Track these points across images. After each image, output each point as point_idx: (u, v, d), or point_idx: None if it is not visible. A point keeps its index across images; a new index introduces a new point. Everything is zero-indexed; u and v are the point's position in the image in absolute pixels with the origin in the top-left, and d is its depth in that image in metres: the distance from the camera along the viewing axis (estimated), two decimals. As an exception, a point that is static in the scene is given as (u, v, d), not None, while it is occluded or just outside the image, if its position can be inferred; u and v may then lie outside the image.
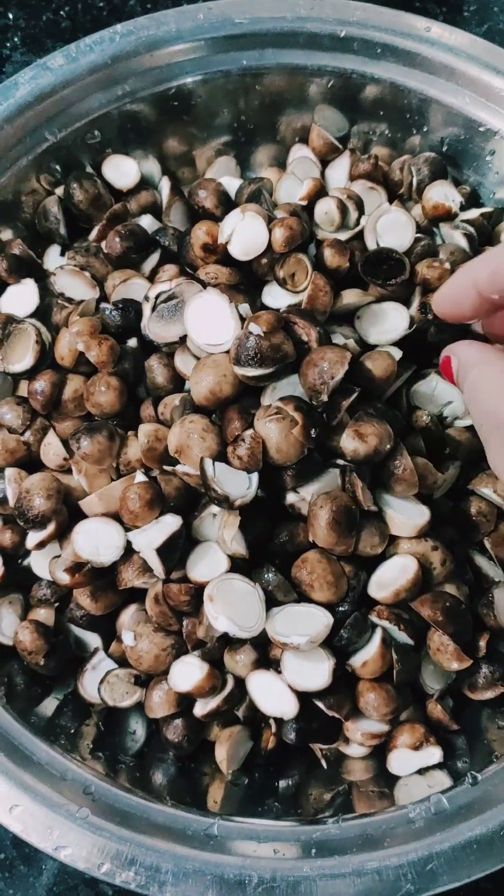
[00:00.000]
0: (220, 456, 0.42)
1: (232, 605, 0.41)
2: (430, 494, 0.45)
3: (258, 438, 0.42)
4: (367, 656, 0.43)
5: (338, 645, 0.42)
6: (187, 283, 0.46)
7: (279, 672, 0.42)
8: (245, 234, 0.46)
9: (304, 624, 0.41)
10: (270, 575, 0.43)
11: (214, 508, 0.43)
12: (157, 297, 0.47)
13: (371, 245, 0.49)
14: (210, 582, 0.42)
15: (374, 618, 0.43)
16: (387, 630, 0.43)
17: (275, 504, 0.45)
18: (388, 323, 0.47)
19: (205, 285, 0.46)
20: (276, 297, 0.48)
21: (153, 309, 0.47)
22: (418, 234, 0.50)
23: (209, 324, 0.44)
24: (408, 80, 0.55)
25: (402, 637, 0.43)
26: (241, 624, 0.40)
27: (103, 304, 0.48)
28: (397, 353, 0.46)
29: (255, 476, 0.42)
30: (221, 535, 0.42)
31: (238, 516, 0.42)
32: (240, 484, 0.42)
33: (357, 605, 0.43)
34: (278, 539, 0.44)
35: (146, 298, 0.48)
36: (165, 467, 0.44)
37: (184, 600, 0.42)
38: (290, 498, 0.44)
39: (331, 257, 0.47)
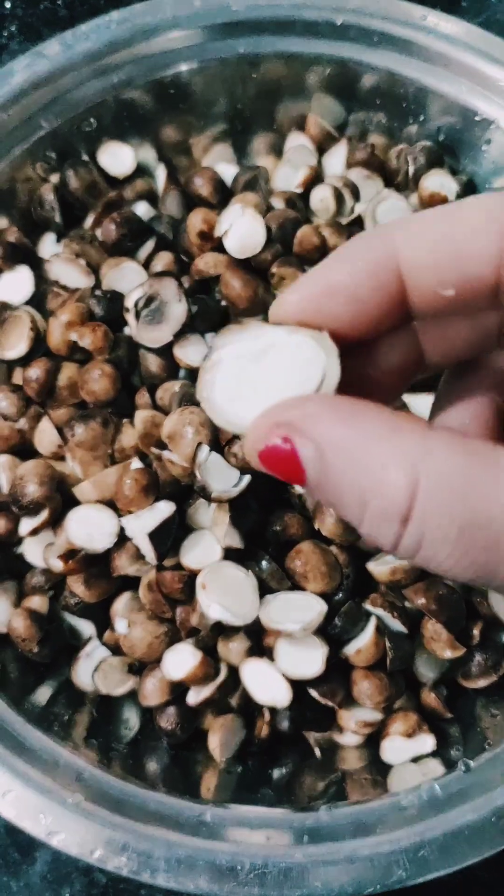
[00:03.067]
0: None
1: (225, 593, 0.41)
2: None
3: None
4: (360, 644, 0.43)
5: (332, 633, 0.42)
6: (158, 280, 0.46)
7: (273, 660, 0.42)
8: (242, 231, 0.46)
9: (298, 611, 0.41)
10: (264, 563, 0.43)
11: (208, 496, 0.43)
12: (136, 305, 0.46)
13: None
14: (203, 569, 0.42)
15: (368, 606, 0.43)
16: (381, 618, 0.43)
17: (270, 494, 0.45)
18: None
19: (181, 284, 0.46)
20: None
21: (137, 318, 0.46)
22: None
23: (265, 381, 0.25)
24: (405, 68, 0.55)
25: (396, 625, 0.43)
26: (235, 611, 0.40)
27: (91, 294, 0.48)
28: None
29: (246, 478, 0.42)
30: (213, 530, 0.43)
31: (227, 512, 0.42)
32: (227, 480, 0.41)
33: (351, 594, 0.43)
34: (272, 528, 0.44)
35: (126, 310, 0.47)
36: (153, 449, 0.43)
37: (177, 588, 0.42)
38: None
39: (329, 236, 0.47)
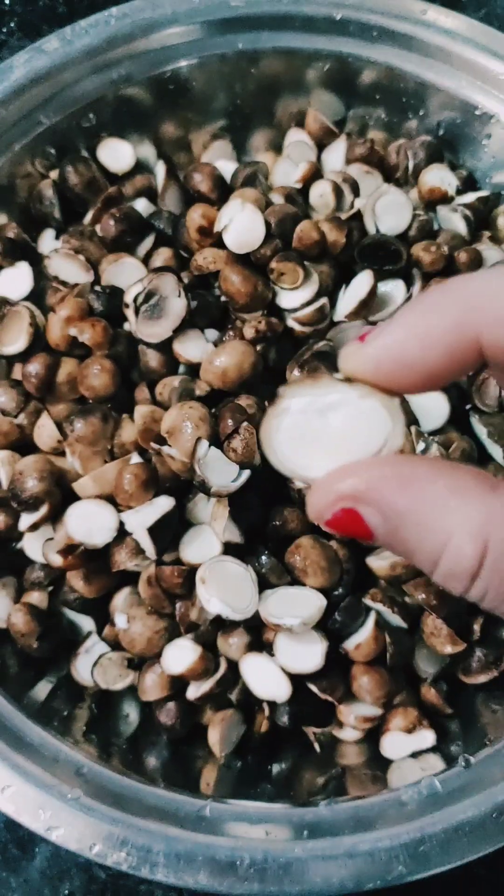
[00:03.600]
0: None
1: (224, 588, 0.41)
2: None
3: (251, 430, 0.42)
4: (360, 639, 0.42)
5: (331, 628, 0.42)
6: (158, 276, 0.46)
7: (272, 655, 0.42)
8: (242, 226, 0.46)
9: (297, 606, 0.41)
10: (264, 558, 0.42)
11: (208, 491, 0.43)
12: (135, 301, 0.46)
13: (370, 226, 0.49)
14: (202, 564, 0.41)
15: (368, 601, 0.43)
16: (380, 613, 0.43)
17: (269, 489, 0.44)
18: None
19: (180, 279, 0.46)
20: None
21: (136, 313, 0.46)
22: (417, 212, 0.50)
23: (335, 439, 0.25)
24: (404, 63, 0.55)
25: (396, 620, 0.43)
26: (234, 606, 0.40)
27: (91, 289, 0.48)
28: None
29: (245, 473, 0.42)
30: (213, 525, 0.42)
31: (226, 507, 0.42)
32: (227, 475, 0.41)
33: (351, 590, 0.43)
34: (271, 523, 0.44)
35: (126, 306, 0.47)
36: (153, 444, 0.43)
37: (176, 582, 0.42)
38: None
39: (329, 232, 0.47)
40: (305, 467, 0.25)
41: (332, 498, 0.23)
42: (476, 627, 0.44)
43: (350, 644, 0.43)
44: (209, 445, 0.41)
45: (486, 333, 0.23)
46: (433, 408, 0.46)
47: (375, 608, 0.43)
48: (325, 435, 0.24)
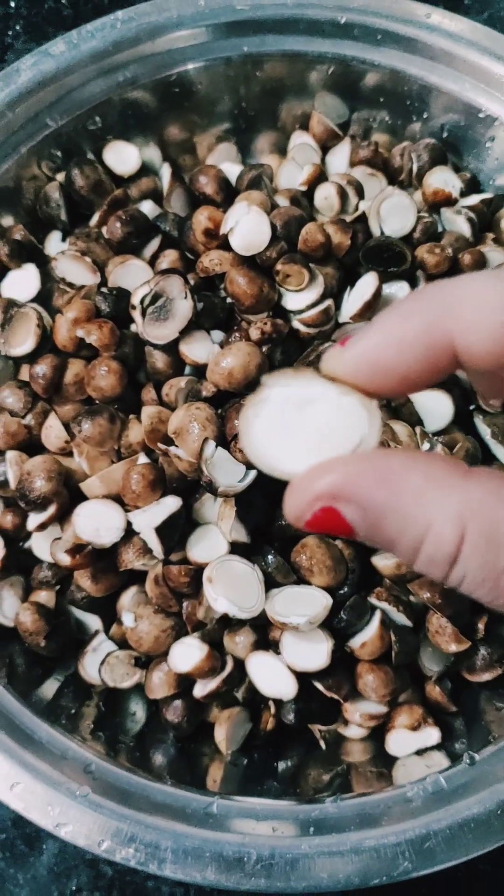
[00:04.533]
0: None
1: (231, 587, 0.41)
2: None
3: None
4: (365, 638, 0.43)
5: (337, 627, 0.43)
6: (164, 277, 0.46)
7: (278, 653, 0.43)
8: (248, 228, 0.46)
9: (303, 605, 0.42)
10: (270, 557, 0.43)
11: (214, 491, 0.44)
12: (142, 303, 0.46)
13: (375, 228, 0.49)
14: (209, 563, 0.42)
15: (373, 600, 0.44)
16: (386, 612, 0.43)
17: (275, 488, 0.45)
18: None
19: (187, 281, 0.46)
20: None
21: (143, 314, 0.46)
22: (421, 214, 0.50)
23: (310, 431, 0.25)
24: (408, 66, 0.55)
25: (401, 619, 0.43)
26: (241, 605, 0.41)
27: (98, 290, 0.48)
28: None
29: (252, 473, 0.42)
30: (219, 525, 0.43)
31: (233, 507, 0.42)
32: (234, 475, 0.42)
33: (356, 588, 0.43)
34: (277, 523, 0.44)
35: (133, 307, 0.48)
36: (160, 445, 0.44)
37: (184, 581, 0.43)
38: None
39: (334, 234, 0.47)
40: (279, 460, 0.24)
41: (309, 498, 0.23)
42: (480, 626, 0.44)
43: (355, 642, 0.43)
44: (216, 446, 0.42)
45: (459, 337, 0.23)
46: (437, 408, 0.46)
47: (381, 607, 0.43)
48: (301, 429, 0.25)
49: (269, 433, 0.25)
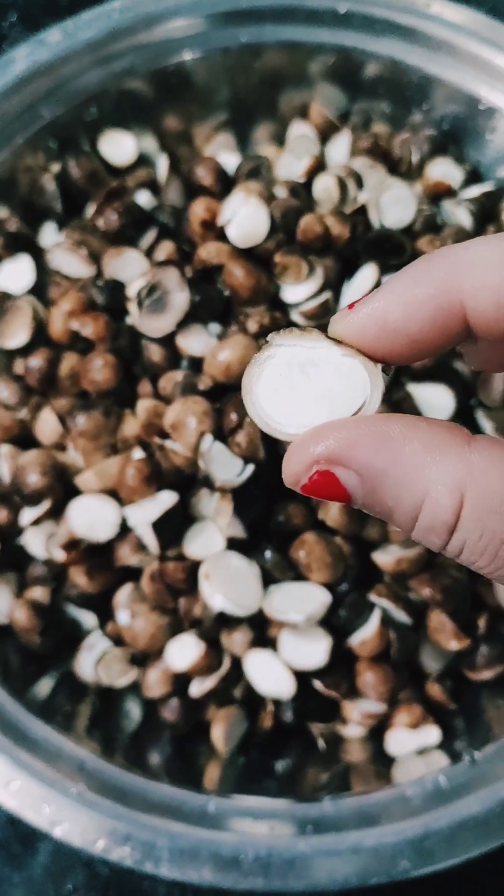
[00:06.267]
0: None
1: (228, 583, 0.41)
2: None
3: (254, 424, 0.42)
4: (365, 635, 0.42)
5: (336, 624, 0.42)
6: (161, 269, 0.46)
7: (276, 651, 0.42)
8: (245, 220, 0.46)
9: (302, 601, 0.41)
10: (268, 553, 0.42)
11: (211, 486, 0.43)
12: (138, 295, 0.46)
13: (374, 220, 0.49)
14: (206, 560, 0.41)
15: (372, 597, 0.43)
16: (385, 609, 0.43)
17: (273, 483, 0.44)
18: None
19: (183, 273, 0.45)
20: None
21: (139, 307, 0.46)
22: (421, 206, 0.50)
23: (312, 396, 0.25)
24: (408, 57, 0.54)
25: (401, 616, 0.43)
26: (238, 602, 0.40)
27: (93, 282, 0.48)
28: None
29: (249, 467, 0.41)
30: (216, 520, 0.42)
31: (230, 502, 0.41)
32: (232, 469, 0.41)
33: (356, 585, 0.43)
34: (275, 518, 0.44)
35: (128, 299, 0.47)
36: (156, 439, 0.43)
37: (180, 578, 0.42)
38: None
39: (333, 225, 0.47)
40: (280, 422, 0.24)
41: (308, 461, 0.22)
42: (481, 623, 0.44)
43: (355, 640, 0.43)
44: (213, 440, 0.41)
45: (469, 299, 0.23)
46: (438, 403, 0.46)
47: (380, 604, 0.43)
48: (304, 390, 0.24)
49: (271, 393, 0.24)
